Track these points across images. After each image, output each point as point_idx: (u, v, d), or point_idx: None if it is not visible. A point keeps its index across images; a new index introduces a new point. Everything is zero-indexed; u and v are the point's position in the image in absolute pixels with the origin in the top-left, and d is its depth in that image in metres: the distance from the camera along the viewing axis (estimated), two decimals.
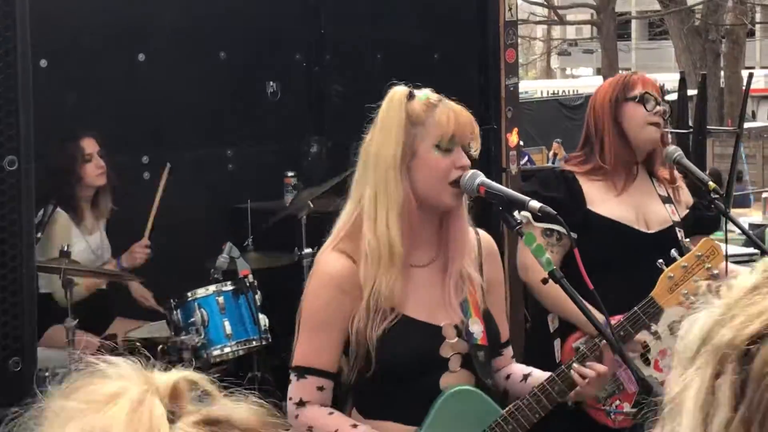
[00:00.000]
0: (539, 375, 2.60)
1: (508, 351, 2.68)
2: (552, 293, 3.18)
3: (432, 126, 2.43)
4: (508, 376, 2.64)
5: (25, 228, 1.93)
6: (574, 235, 3.33)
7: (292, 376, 2.45)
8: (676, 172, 3.58)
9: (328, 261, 2.45)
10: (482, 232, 2.65)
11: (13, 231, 1.91)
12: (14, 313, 1.95)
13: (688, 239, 3.37)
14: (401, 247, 2.40)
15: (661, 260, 3.02)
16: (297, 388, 2.43)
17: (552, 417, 3.02)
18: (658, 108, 3.45)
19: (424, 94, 2.48)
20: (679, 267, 2.88)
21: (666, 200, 3.54)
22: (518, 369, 2.66)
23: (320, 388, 2.43)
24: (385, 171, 2.41)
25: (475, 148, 2.49)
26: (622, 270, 3.26)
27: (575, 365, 2.50)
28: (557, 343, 3.41)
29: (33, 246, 2.02)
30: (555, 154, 16.56)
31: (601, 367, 2.48)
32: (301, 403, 2.42)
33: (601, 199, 3.43)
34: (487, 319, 2.54)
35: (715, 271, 2.95)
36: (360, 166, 2.49)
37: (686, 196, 3.62)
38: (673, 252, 3.08)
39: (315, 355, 2.42)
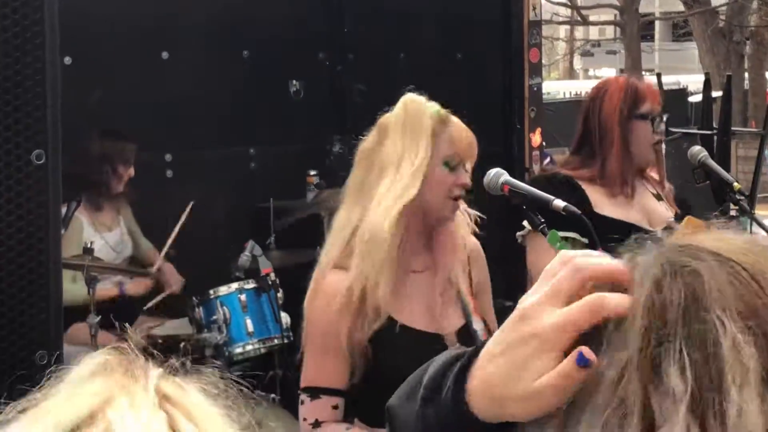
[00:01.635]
0: None
1: None
2: None
3: (445, 141, 2.42)
4: None
5: (51, 222, 1.94)
6: (584, 239, 3.33)
7: (305, 397, 2.44)
8: (659, 173, 3.57)
9: (329, 283, 2.42)
10: (471, 237, 2.64)
11: (39, 225, 1.92)
12: (40, 307, 1.96)
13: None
14: (394, 246, 2.36)
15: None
16: (311, 409, 2.42)
17: None
18: (661, 127, 3.42)
19: (436, 108, 2.47)
20: None
21: (658, 198, 3.53)
22: None
23: (335, 407, 2.42)
24: (410, 175, 2.39)
25: (468, 169, 2.49)
26: None
27: None
28: None
29: (59, 240, 2.03)
30: None
31: None
32: (317, 424, 2.42)
33: (606, 203, 3.41)
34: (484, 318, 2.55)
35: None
36: (362, 168, 2.46)
37: (671, 192, 3.61)
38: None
39: (326, 375, 2.41)
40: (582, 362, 0.83)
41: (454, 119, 2.48)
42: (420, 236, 2.48)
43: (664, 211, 3.49)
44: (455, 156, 2.43)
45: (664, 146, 3.57)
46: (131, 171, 4.61)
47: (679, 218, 3.53)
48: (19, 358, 1.98)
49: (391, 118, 2.47)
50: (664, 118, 3.49)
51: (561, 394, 0.84)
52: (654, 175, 3.56)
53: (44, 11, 1.96)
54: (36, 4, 1.95)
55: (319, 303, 2.43)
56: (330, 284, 2.41)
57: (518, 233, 3.06)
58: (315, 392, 2.42)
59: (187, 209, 4.66)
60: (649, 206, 3.47)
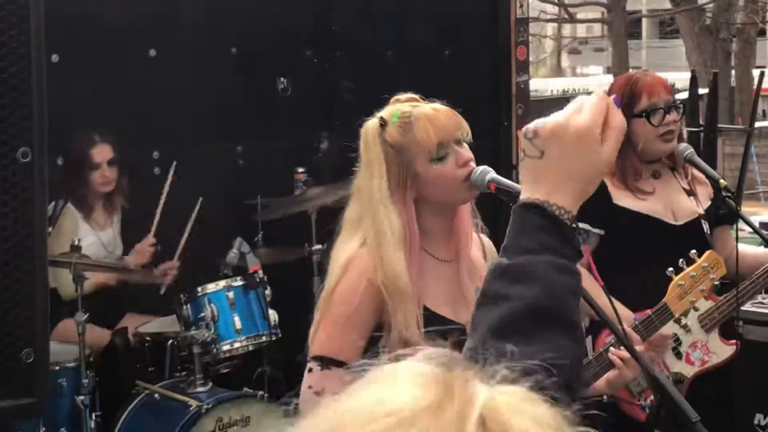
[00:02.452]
0: None
1: None
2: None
3: (415, 146, 2.40)
4: None
5: (37, 220, 1.94)
6: (598, 231, 3.36)
7: (314, 365, 2.38)
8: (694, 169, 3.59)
9: (365, 262, 2.41)
10: (483, 237, 2.65)
11: (25, 222, 1.92)
12: (26, 304, 1.96)
13: (694, 251, 3.38)
14: (406, 278, 2.37)
15: (671, 269, 3.08)
16: (319, 378, 2.37)
17: (585, 410, 3.02)
18: (667, 117, 3.42)
19: (396, 112, 2.44)
20: (688, 276, 3.03)
21: (689, 193, 3.55)
22: None
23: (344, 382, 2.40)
24: (376, 207, 2.39)
25: (466, 136, 2.46)
26: (654, 262, 3.27)
27: (612, 348, 2.50)
28: (588, 340, 3.41)
29: (45, 238, 2.02)
30: None
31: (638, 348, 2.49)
32: (322, 393, 2.38)
33: (626, 194, 3.43)
34: None
35: (716, 282, 3.16)
36: (353, 203, 2.48)
37: (707, 189, 3.62)
38: (692, 252, 3.12)
39: (343, 349, 2.37)
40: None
41: (419, 112, 2.43)
42: (439, 224, 2.48)
43: (692, 205, 3.51)
44: (432, 150, 2.41)
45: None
46: (106, 172, 4.56)
47: (710, 215, 3.56)
48: (5, 355, 1.98)
49: None
50: (677, 106, 3.49)
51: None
52: (697, 173, 3.58)
53: (30, 9, 1.95)
54: (21, 2, 1.95)
55: (352, 278, 2.40)
56: (365, 264, 2.40)
57: None
58: (327, 362, 2.38)
59: (171, 171, 4.65)
60: (674, 199, 3.49)
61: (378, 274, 2.37)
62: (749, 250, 3.66)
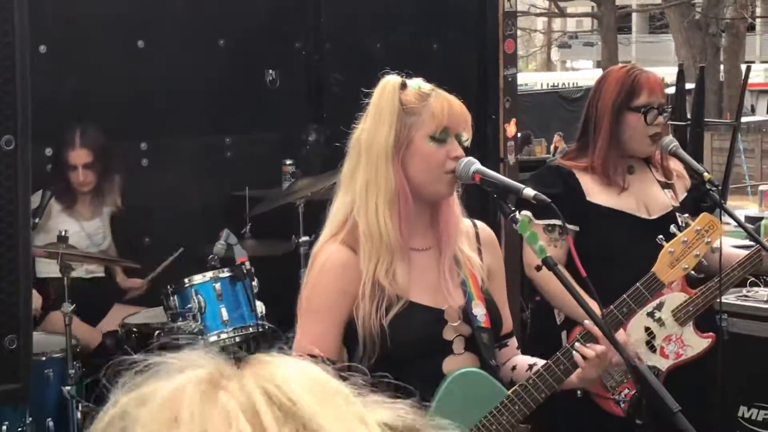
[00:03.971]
0: (538, 367, 2.62)
1: (513, 341, 2.69)
2: (553, 288, 3.21)
3: (426, 116, 2.44)
4: (513, 367, 2.64)
5: (21, 208, 1.95)
6: (573, 227, 3.38)
7: None
8: (672, 161, 3.61)
9: (330, 251, 2.45)
10: (480, 223, 2.67)
11: (9, 210, 1.92)
12: (10, 291, 1.97)
13: (687, 215, 3.40)
14: (395, 232, 2.42)
15: (661, 236, 3.06)
16: None
17: (560, 406, 3.04)
18: (659, 119, 3.45)
19: (417, 83, 2.49)
20: (679, 242, 2.87)
21: (665, 185, 3.57)
22: (523, 359, 2.67)
23: None
24: (377, 159, 2.43)
25: (467, 138, 2.50)
26: (627, 257, 3.29)
27: (577, 345, 2.52)
28: (564, 335, 3.43)
29: (29, 226, 2.03)
30: (556, 147, 16.55)
31: (600, 348, 2.49)
32: None
33: (600, 191, 3.45)
34: (489, 302, 2.56)
35: (714, 245, 2.97)
36: (351, 156, 2.50)
37: (683, 182, 3.64)
38: (672, 228, 3.13)
39: (316, 341, 2.40)
40: None
41: (439, 92, 2.48)
42: (421, 214, 2.50)
43: (667, 199, 3.53)
44: (439, 128, 2.44)
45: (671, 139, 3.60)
46: (81, 175, 4.57)
47: (687, 206, 3.57)
48: None
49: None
50: (666, 110, 3.51)
51: None
52: (675, 165, 3.59)
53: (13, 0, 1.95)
54: None
55: (316, 269, 2.45)
56: (330, 253, 2.44)
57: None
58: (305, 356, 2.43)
59: (176, 254, 4.69)
60: (650, 193, 3.51)
61: (360, 224, 2.41)
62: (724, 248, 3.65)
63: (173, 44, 5.11)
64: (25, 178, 1.95)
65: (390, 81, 2.48)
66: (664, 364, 3.43)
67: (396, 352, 2.39)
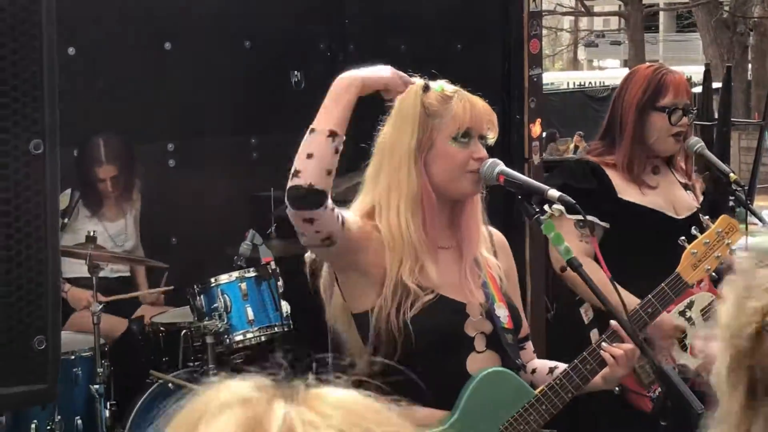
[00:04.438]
0: (564, 368, 2.62)
1: (530, 345, 2.70)
2: (584, 287, 3.20)
3: (448, 118, 2.45)
4: (533, 371, 2.65)
5: (49, 210, 1.97)
6: (603, 224, 3.38)
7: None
8: (686, 168, 3.61)
9: (369, 223, 2.46)
10: (492, 229, 2.68)
11: (37, 213, 1.95)
12: (39, 292, 2.00)
13: (708, 217, 3.40)
14: (418, 232, 2.43)
15: (683, 237, 3.07)
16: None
17: (596, 403, 3.03)
18: (683, 120, 3.45)
19: (439, 85, 2.50)
20: (701, 243, 2.92)
21: (686, 187, 3.57)
22: (543, 363, 2.68)
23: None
24: (399, 162, 2.45)
25: (492, 137, 2.51)
26: (656, 256, 3.29)
27: (604, 344, 2.52)
28: (594, 333, 3.43)
29: (57, 228, 2.06)
30: (576, 147, 16.50)
31: (628, 347, 2.49)
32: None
33: (629, 188, 3.46)
34: (510, 305, 2.57)
35: (734, 247, 3.01)
36: (374, 159, 2.52)
37: (700, 184, 3.66)
38: (694, 230, 3.13)
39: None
40: None
41: (462, 94, 2.49)
42: (443, 213, 2.52)
43: (691, 200, 3.54)
44: (461, 130, 2.45)
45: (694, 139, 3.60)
46: (108, 188, 4.64)
47: (704, 209, 3.58)
48: (17, 342, 2.01)
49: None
50: (691, 111, 3.51)
51: None
52: (683, 165, 3.61)
53: (41, 1, 1.98)
54: None
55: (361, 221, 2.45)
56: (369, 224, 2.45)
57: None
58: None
59: (163, 287, 4.73)
60: (675, 194, 3.52)
61: (383, 227, 2.43)
62: None
63: (199, 46, 5.15)
64: (53, 181, 1.97)
65: (413, 84, 2.50)
66: (693, 363, 3.43)
67: (416, 345, 2.39)
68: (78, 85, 4.53)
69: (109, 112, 4.79)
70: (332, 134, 2.34)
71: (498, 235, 2.69)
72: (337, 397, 0.88)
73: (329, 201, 2.30)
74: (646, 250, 3.38)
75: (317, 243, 2.36)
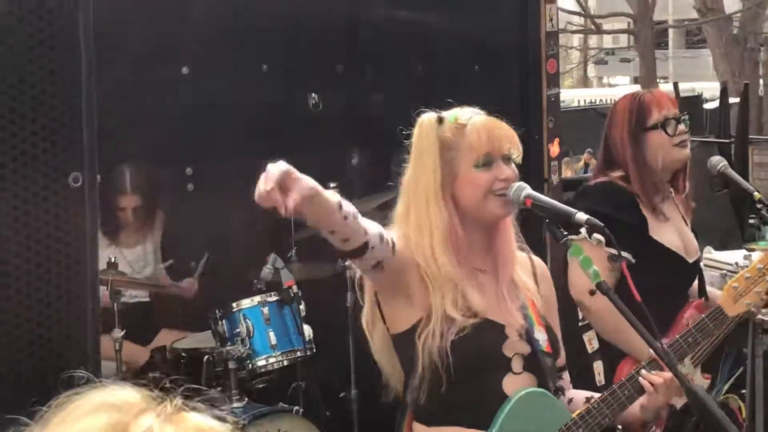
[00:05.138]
0: (602, 393, 2.61)
1: (567, 376, 2.69)
2: (607, 317, 3.18)
3: (465, 149, 2.46)
4: (570, 400, 2.64)
5: (89, 243, 1.98)
6: (627, 255, 3.34)
7: None
8: (682, 183, 3.58)
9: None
10: (536, 258, 2.68)
11: (77, 247, 1.95)
12: (78, 325, 2.00)
13: (750, 253, 3.39)
14: (452, 267, 2.43)
15: (725, 271, 3.08)
16: None
17: None
18: (680, 127, 3.44)
19: (453, 115, 2.50)
20: (743, 277, 2.95)
21: (685, 222, 3.56)
22: (580, 393, 2.67)
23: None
24: (426, 200, 2.46)
25: (517, 155, 2.52)
26: (669, 297, 3.28)
27: (643, 371, 2.51)
28: (598, 365, 3.40)
29: (96, 261, 2.07)
30: (587, 164, 16.42)
31: (667, 375, 2.48)
32: None
33: (654, 225, 3.44)
34: (549, 330, 2.56)
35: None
36: (402, 199, 2.54)
37: (690, 215, 3.65)
38: (738, 261, 3.13)
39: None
40: None
41: (475, 120, 2.49)
42: (478, 237, 2.52)
43: (695, 241, 3.54)
44: (480, 157, 2.45)
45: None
46: (130, 217, 4.67)
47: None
48: (57, 374, 2.01)
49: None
50: (684, 118, 3.51)
51: None
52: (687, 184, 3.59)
53: (80, 32, 1.99)
54: (72, 25, 1.99)
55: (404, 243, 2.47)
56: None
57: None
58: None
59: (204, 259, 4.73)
60: (685, 234, 3.52)
61: (420, 262, 2.44)
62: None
63: (217, 70, 5.16)
64: (92, 213, 1.98)
65: (426, 119, 2.50)
66: (679, 402, 3.41)
67: (455, 365, 2.38)
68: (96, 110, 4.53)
69: (127, 137, 4.79)
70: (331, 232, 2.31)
71: (540, 263, 2.69)
72: (199, 422, 0.98)
73: (371, 240, 2.31)
74: (660, 289, 3.35)
75: (369, 269, 2.39)
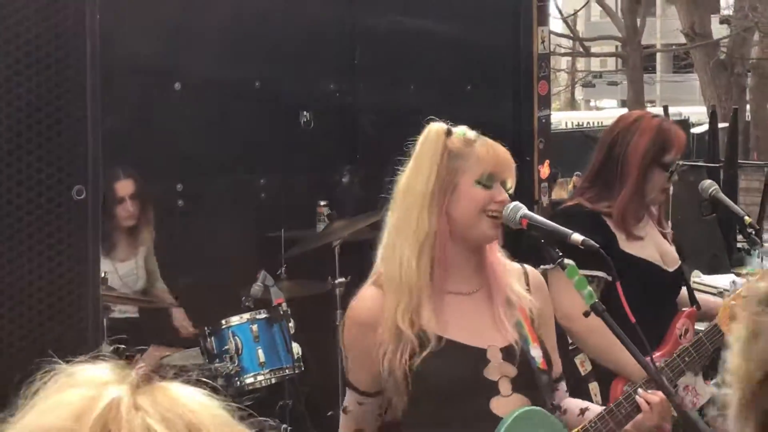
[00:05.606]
0: (596, 408, 2.60)
1: (562, 386, 2.67)
2: (595, 339, 3.16)
3: (473, 161, 2.46)
4: (564, 411, 2.63)
5: (91, 256, 1.97)
6: (608, 276, 3.33)
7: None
8: (659, 214, 3.58)
9: (362, 297, 2.51)
10: (529, 267, 2.66)
11: (79, 259, 1.95)
12: (80, 340, 1.99)
13: (750, 267, 3.40)
14: (419, 276, 2.42)
15: (723, 288, 3.08)
16: (346, 396, 2.58)
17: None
18: (674, 177, 3.44)
19: (462, 130, 2.51)
20: (740, 296, 2.93)
21: (663, 236, 3.55)
22: (574, 403, 2.66)
23: (360, 403, 2.52)
24: (412, 203, 2.45)
25: (511, 186, 2.53)
26: (651, 308, 3.27)
27: (641, 390, 2.51)
28: (594, 386, 3.39)
29: (99, 275, 2.06)
30: (575, 187, 16.38)
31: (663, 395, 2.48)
32: (344, 410, 2.57)
33: (625, 239, 3.42)
34: (543, 345, 2.55)
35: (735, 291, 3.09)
36: (392, 201, 2.53)
37: (670, 233, 3.64)
38: (736, 279, 3.13)
39: (355, 375, 2.54)
40: None
41: (484, 139, 2.51)
42: (467, 258, 2.51)
43: (673, 251, 3.52)
44: (485, 173, 2.46)
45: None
46: (129, 207, 4.66)
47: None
48: None
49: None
50: (679, 166, 3.50)
51: None
52: (654, 211, 3.58)
53: (86, 47, 1.99)
54: (77, 41, 1.98)
55: (349, 316, 2.53)
56: (360, 299, 2.51)
57: (542, 267, 2.98)
58: (348, 384, 2.58)
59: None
60: (662, 246, 3.50)
61: (384, 265, 2.46)
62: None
63: (210, 86, 5.16)
64: (95, 225, 1.98)
65: (434, 127, 2.51)
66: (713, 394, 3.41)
67: (429, 393, 2.39)
68: None
69: (118, 152, 4.78)
70: None
71: (534, 273, 2.67)
72: (177, 392, 0.97)
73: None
74: (643, 301, 3.34)
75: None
